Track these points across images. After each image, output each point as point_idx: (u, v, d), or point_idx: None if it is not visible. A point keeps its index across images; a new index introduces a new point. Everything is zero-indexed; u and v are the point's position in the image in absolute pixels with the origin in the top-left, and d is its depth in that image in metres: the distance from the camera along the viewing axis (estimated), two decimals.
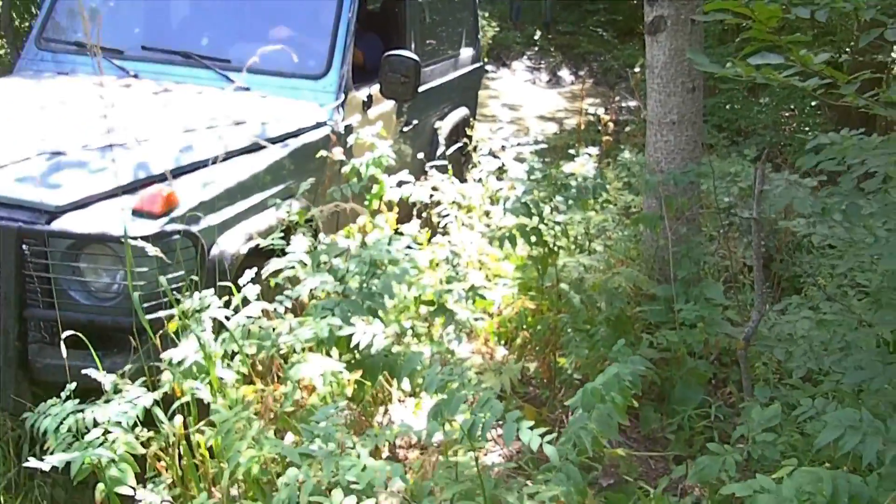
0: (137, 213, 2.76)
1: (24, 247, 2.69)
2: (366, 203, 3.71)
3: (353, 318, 2.41)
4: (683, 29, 4.02)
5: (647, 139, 4.24)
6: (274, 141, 3.45)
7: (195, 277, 2.65)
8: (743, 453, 2.54)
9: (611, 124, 6.35)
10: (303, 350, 2.38)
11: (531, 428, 1.86)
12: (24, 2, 10.56)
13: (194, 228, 2.79)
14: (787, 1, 2.39)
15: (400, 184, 3.78)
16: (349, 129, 4.02)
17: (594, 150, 4.98)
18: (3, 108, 3.59)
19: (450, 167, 4.79)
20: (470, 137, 5.53)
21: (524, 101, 12.94)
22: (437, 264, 3.40)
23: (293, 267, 2.74)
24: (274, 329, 2.35)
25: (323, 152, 3.56)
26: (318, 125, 3.85)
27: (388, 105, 4.57)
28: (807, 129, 8.07)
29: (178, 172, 3.01)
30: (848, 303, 3.51)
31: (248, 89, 3.86)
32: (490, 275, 3.89)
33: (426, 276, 3.25)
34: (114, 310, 2.73)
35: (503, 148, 4.93)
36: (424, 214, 4.21)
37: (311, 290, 2.54)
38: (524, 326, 3.44)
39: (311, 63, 4.08)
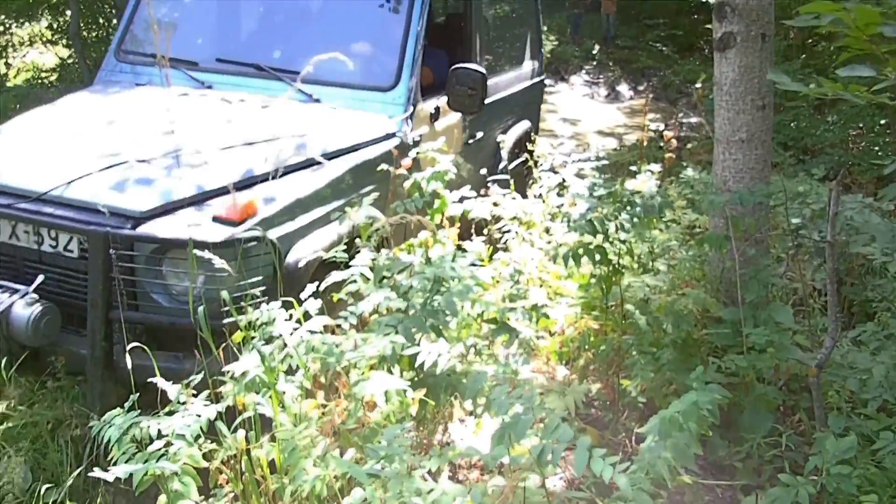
0: (218, 220, 2.87)
1: (111, 251, 2.79)
2: (427, 218, 3.69)
3: (417, 335, 2.38)
4: (754, 45, 3.93)
5: (714, 157, 4.14)
6: (344, 152, 3.57)
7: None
8: (816, 486, 2.45)
9: (674, 141, 6.23)
10: (365, 367, 2.36)
11: (602, 456, 1.80)
12: (93, 13, 10.85)
13: (272, 236, 2.87)
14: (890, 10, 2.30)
15: (462, 199, 3.76)
16: (417, 141, 4.09)
17: (656, 167, 4.90)
18: (85, 120, 3.74)
19: (512, 182, 4.76)
20: (531, 152, 5.49)
21: (583, 115, 12.85)
22: (499, 281, 3.36)
23: (355, 281, 2.73)
24: (338, 345, 2.32)
25: (384, 166, 3.57)
26: (388, 136, 3.91)
27: (454, 118, 4.63)
28: (876, 147, 7.85)
29: (255, 182, 3.12)
30: None
31: (318, 101, 4.00)
32: (551, 292, 3.84)
33: (489, 294, 3.22)
34: (188, 313, 2.73)
35: (564, 164, 4.89)
36: (486, 230, 4.18)
37: (374, 305, 2.52)
38: (587, 347, 3.37)
39: (381, 75, 4.15)
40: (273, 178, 3.13)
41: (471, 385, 2.19)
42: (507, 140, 5.51)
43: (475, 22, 5.04)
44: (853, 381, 3.18)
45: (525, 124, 6.14)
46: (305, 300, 2.59)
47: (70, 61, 10.44)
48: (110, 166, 3.13)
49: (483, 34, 5.18)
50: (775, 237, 4.56)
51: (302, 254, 3.00)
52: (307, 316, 2.51)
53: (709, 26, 4.06)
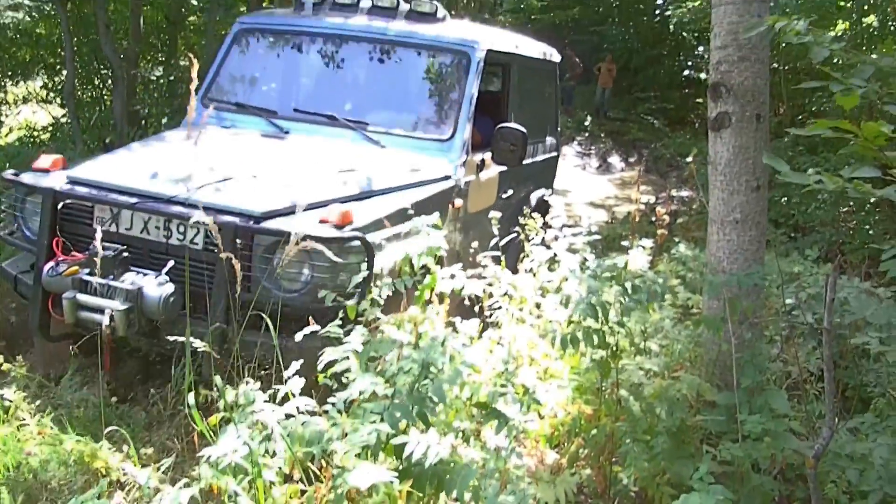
0: (324, 222, 3.58)
1: (237, 241, 3.50)
2: (417, 294, 3.62)
3: (403, 423, 2.29)
4: (748, 126, 3.93)
5: (708, 237, 4.11)
6: (412, 186, 4.39)
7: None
8: None
9: (665, 217, 6.22)
10: (347, 453, 2.26)
11: None
12: (89, 73, 10.93)
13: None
14: (879, 100, 2.29)
15: (452, 276, 3.70)
16: (467, 184, 4.97)
17: (648, 243, 4.86)
18: (191, 147, 4.18)
19: (503, 258, 4.71)
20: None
21: (574, 186, 12.91)
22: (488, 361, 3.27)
23: (347, 358, 2.66)
24: (323, 432, 2.23)
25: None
26: (446, 178, 4.75)
27: (494, 173, 5.45)
28: (867, 226, 7.87)
29: (345, 200, 3.87)
30: None
31: (383, 146, 4.81)
32: (541, 372, 3.75)
33: (478, 374, 3.13)
34: (299, 299, 3.53)
35: (555, 238, 4.84)
36: (477, 307, 4.11)
37: (359, 391, 2.43)
38: (578, 432, 3.27)
39: (441, 127, 5.01)
40: (364, 199, 4.00)
41: (459, 479, 2.09)
42: (532, 199, 6.45)
43: (511, 96, 5.93)
44: (852, 472, 3.10)
45: (543, 191, 6.91)
46: (288, 379, 2.52)
47: (64, 120, 10.47)
48: (229, 178, 3.89)
49: (516, 107, 5.96)
50: (769, 319, 4.51)
51: (383, 262, 3.70)
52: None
53: (700, 100, 4.07)
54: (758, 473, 3.32)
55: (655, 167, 15.02)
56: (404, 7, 5.43)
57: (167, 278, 3.57)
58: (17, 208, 4.12)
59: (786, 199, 8.69)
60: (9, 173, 4.10)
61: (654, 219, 6.72)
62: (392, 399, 2.34)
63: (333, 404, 2.44)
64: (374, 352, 2.60)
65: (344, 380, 2.63)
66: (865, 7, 9.05)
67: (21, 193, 4.12)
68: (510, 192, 5.87)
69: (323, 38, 5.44)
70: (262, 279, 3.48)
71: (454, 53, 5.18)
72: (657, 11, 18.93)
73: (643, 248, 4.86)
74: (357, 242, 3.55)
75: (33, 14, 12.19)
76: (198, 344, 2.73)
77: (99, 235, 3.28)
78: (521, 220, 5.04)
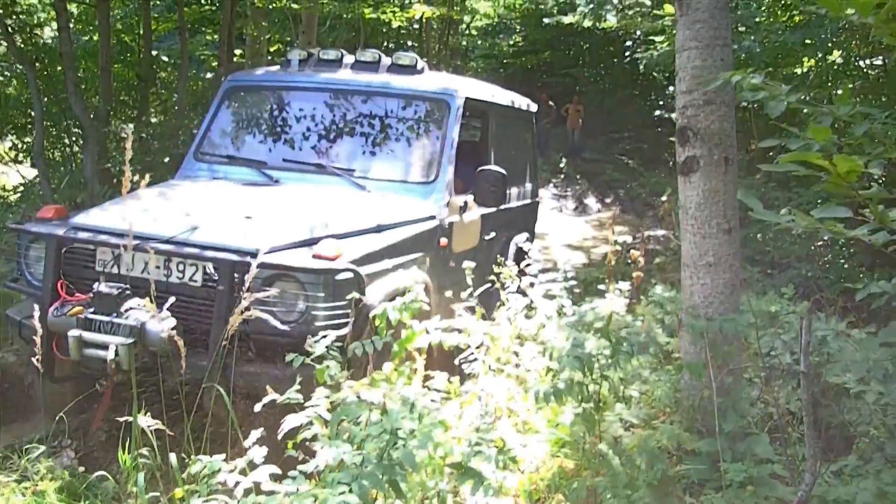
0: (317, 257, 3.82)
1: (234, 276, 3.76)
2: (394, 350, 3.56)
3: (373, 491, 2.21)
4: (717, 169, 3.93)
5: (682, 281, 4.09)
6: (399, 225, 4.63)
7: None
8: None
9: (641, 260, 6.22)
10: None
11: None
12: (59, 133, 10.90)
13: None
14: (868, 155, 2.28)
15: (429, 330, 3.65)
16: (451, 224, 5.24)
17: (625, 286, 4.83)
18: (185, 195, 4.83)
19: (478, 307, 4.66)
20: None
21: (550, 229, 12.92)
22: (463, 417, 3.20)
23: (311, 424, 2.59)
24: None
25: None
26: (430, 218, 5.00)
27: (476, 216, 5.69)
28: (842, 260, 7.89)
29: (336, 237, 4.06)
30: None
31: (369, 191, 5.07)
32: (520, 424, 3.68)
33: (454, 429, 3.06)
34: (295, 330, 3.69)
35: (531, 284, 4.80)
36: (455, 360, 4.05)
37: (325, 462, 2.36)
38: (559, 487, 3.20)
39: (425, 171, 5.31)
40: (352, 237, 4.21)
41: None
42: (513, 244, 6.70)
43: (490, 143, 6.25)
44: None
45: (524, 235, 7.14)
46: (251, 447, 2.45)
47: (34, 181, 10.40)
48: (226, 219, 4.21)
49: (495, 154, 6.23)
50: (747, 360, 4.47)
51: (371, 296, 3.94)
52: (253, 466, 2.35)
53: (673, 139, 4.07)
54: None
55: (632, 207, 15.09)
56: (386, 61, 5.76)
57: (168, 314, 3.67)
58: (22, 256, 4.34)
59: (761, 235, 8.72)
60: (12, 223, 4.52)
61: (630, 261, 6.70)
62: (361, 467, 2.26)
63: (297, 475, 2.36)
64: (344, 416, 2.52)
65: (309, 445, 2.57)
66: (829, 44, 9.18)
67: (25, 241, 4.34)
68: (492, 234, 6.16)
69: (309, 92, 5.74)
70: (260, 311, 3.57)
71: (434, 102, 5.49)
72: (627, 53, 19.18)
73: (620, 291, 4.84)
74: (349, 275, 3.82)
75: (4, 74, 12.19)
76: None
77: (114, 270, 3.69)
78: (496, 269, 5.02)
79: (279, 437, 2.64)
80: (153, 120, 11.35)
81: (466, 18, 22.01)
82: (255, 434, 2.55)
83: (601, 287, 5.54)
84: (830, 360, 3.91)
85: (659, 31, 12.01)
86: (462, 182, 5.59)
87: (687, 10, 3.99)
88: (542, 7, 20.32)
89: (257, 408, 2.87)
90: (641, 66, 13.37)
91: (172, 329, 3.60)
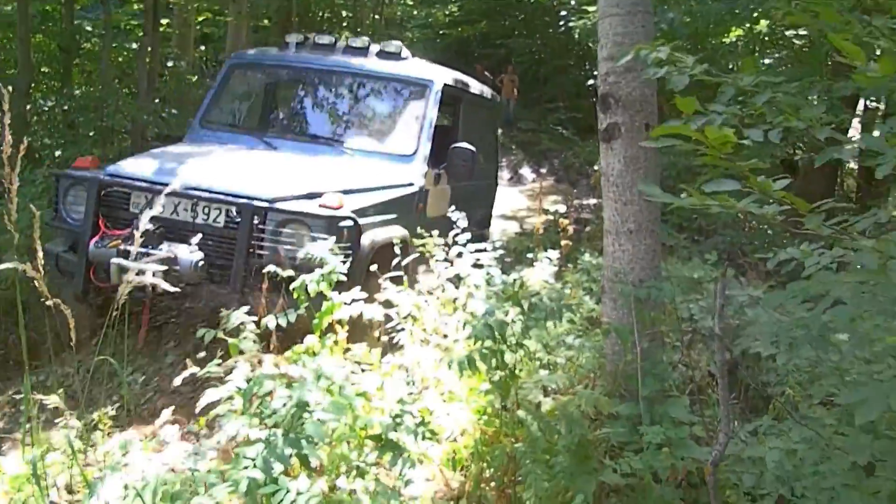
0: (323, 206, 4.54)
1: (254, 219, 4.51)
2: (315, 322, 3.54)
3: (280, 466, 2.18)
4: (638, 136, 3.95)
5: (604, 248, 4.12)
6: (386, 187, 5.43)
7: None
8: None
9: (569, 228, 6.28)
10: None
11: None
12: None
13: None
14: (740, 122, 2.32)
15: (352, 301, 3.63)
16: (426, 192, 6.00)
17: (554, 255, 4.85)
18: (199, 152, 5.61)
19: (405, 278, 4.64)
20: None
21: None
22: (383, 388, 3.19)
23: (231, 398, 2.55)
24: (191, 483, 2.11)
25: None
26: (411, 184, 5.77)
27: (445, 189, 6.42)
28: (765, 226, 8.07)
29: (342, 191, 4.77)
30: (820, 422, 3.35)
31: (355, 159, 5.82)
32: (446, 394, 3.69)
33: (375, 401, 3.05)
34: (302, 267, 3.78)
35: (460, 254, 4.79)
36: (377, 332, 4.04)
37: (228, 437, 2.33)
38: (479, 454, 3.22)
39: (406, 144, 6.02)
40: (353, 193, 4.90)
41: None
42: (476, 215, 7.29)
43: (461, 125, 6.98)
44: (748, 476, 3.12)
45: (484, 210, 8.10)
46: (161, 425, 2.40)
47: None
48: (242, 173, 5.06)
49: (465, 136, 6.75)
50: (669, 325, 4.55)
51: (366, 241, 4.70)
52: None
53: None
54: (662, 483, 3.32)
55: (566, 176, 15.18)
56: (374, 47, 6.51)
57: (197, 247, 4.44)
58: (60, 198, 5.03)
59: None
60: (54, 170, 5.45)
61: (560, 229, 6.75)
62: (268, 441, 2.23)
63: (200, 452, 2.33)
64: (255, 389, 2.48)
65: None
66: (755, 14, 9.31)
67: (65, 185, 5.03)
68: (461, 203, 6.52)
69: (306, 72, 6.55)
70: (274, 251, 4.40)
71: (417, 86, 6.26)
72: (561, 23, 19.20)
73: (549, 260, 4.86)
74: (350, 222, 4.57)
75: None
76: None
77: (145, 214, 3.87)
78: (422, 240, 5.02)
79: (197, 411, 2.60)
80: (76, 92, 10.99)
81: None
82: (167, 413, 2.49)
83: (530, 256, 5.57)
84: (747, 323, 3.99)
85: (589, 1, 12.03)
86: (436, 158, 6.24)
87: None
88: None
89: (177, 381, 2.83)
90: (576, 36, 13.42)
91: (201, 261, 4.46)
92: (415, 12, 25.87)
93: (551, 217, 8.52)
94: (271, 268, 3.56)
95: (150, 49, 11.01)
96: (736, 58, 10.58)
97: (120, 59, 12.45)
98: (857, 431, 2.93)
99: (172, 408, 2.48)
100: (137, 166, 5.14)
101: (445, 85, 6.41)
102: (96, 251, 4.63)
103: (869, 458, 2.74)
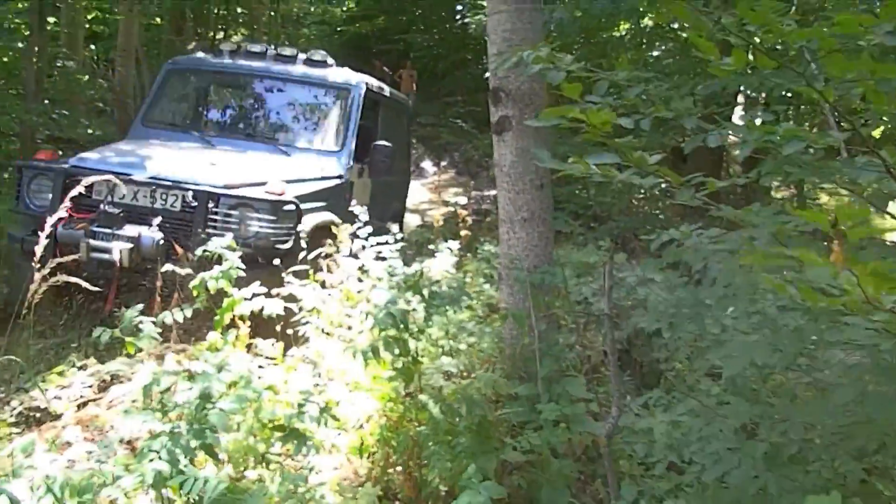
0: (268, 192, 5.20)
1: (209, 203, 5.16)
2: (216, 318, 3.56)
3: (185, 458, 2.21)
4: (528, 128, 4.10)
5: (500, 236, 4.26)
6: (317, 179, 6.12)
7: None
8: None
9: (468, 219, 6.43)
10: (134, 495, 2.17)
11: None
12: None
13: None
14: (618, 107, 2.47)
15: (253, 296, 3.67)
16: (351, 184, 6.65)
17: (454, 245, 4.97)
18: (153, 148, 6.09)
19: (311, 271, 4.69)
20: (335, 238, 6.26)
21: None
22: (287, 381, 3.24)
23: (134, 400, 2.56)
24: (96, 477, 2.13)
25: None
26: (340, 176, 6.46)
27: (367, 182, 7.12)
28: (657, 212, 8.39)
29: (286, 181, 5.44)
30: (706, 391, 3.56)
31: (290, 156, 6.45)
32: (352, 385, 3.76)
33: (281, 393, 3.09)
34: (252, 244, 5.00)
35: (363, 248, 4.86)
36: (279, 326, 4.07)
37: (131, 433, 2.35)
38: (384, 440, 3.30)
39: (334, 141, 6.73)
40: (287, 182, 5.42)
41: None
42: (392, 209, 8.23)
43: (380, 125, 7.65)
44: (640, 445, 3.30)
45: (399, 203, 8.91)
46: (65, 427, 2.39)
47: None
48: (191, 164, 5.57)
49: (383, 135, 7.39)
50: (565, 308, 4.73)
51: (304, 225, 5.28)
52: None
53: None
54: (561, 457, 3.48)
55: (466, 169, 15.38)
56: (302, 56, 7.19)
57: (157, 229, 4.96)
58: (25, 187, 5.48)
59: (584, 191, 9.12)
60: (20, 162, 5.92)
61: (459, 220, 6.90)
62: (172, 434, 2.26)
63: (106, 444, 2.34)
64: (156, 385, 2.50)
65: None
66: (640, 10, 9.65)
67: (29, 175, 5.50)
68: (379, 194, 7.55)
69: (239, 77, 7.13)
70: (226, 232, 4.66)
71: (342, 90, 6.94)
72: (458, 18, 19.40)
73: (450, 250, 4.97)
74: (292, 206, 5.25)
75: None
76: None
77: (107, 199, 5.05)
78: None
79: (107, 408, 2.60)
80: None
81: None
82: (70, 413, 2.49)
83: (432, 247, 5.67)
84: (638, 303, 4.19)
85: None
86: (358, 155, 6.90)
87: None
88: None
89: (77, 385, 2.81)
90: (472, 30, 13.59)
91: (161, 240, 5.00)
92: (312, 9, 25.63)
93: (452, 209, 8.67)
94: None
95: (37, 48, 10.63)
96: (624, 51, 10.93)
97: (5, 60, 11.96)
98: (738, 399, 3.14)
99: (76, 407, 2.46)
100: (99, 158, 5.67)
101: (367, 89, 7.11)
102: (64, 233, 5.07)
103: (746, 420, 2.95)
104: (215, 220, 5.13)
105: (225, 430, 2.34)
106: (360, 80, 7.12)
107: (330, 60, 7.22)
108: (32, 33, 10.76)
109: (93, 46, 17.16)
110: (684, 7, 1.96)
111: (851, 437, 2.58)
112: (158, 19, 17.73)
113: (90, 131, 11.45)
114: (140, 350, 2.79)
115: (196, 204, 5.17)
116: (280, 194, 5.20)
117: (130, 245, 4.97)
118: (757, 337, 3.08)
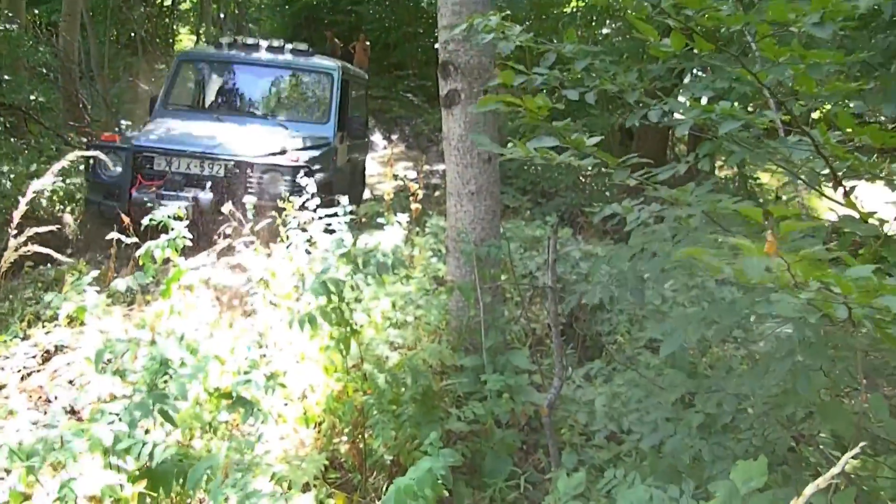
0: (291, 160, 6.69)
1: (248, 170, 6.68)
2: (162, 289, 3.54)
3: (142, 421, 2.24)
4: (477, 102, 4.13)
5: (447, 209, 4.30)
6: (315, 146, 7.63)
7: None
8: None
9: (419, 192, 6.45)
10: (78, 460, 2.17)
11: None
12: None
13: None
14: (560, 85, 2.52)
15: (199, 267, 3.65)
16: (336, 148, 8.17)
17: (403, 218, 4.99)
18: (189, 126, 7.53)
19: (258, 244, 4.68)
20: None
21: None
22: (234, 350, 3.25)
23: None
24: (46, 442, 2.13)
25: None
26: (328, 143, 7.95)
27: (345, 146, 8.75)
28: (604, 188, 8.51)
29: (295, 149, 7.13)
30: (646, 364, 3.67)
31: (287, 128, 7.78)
32: (299, 356, 3.78)
33: (227, 363, 3.10)
34: (275, 198, 5.34)
35: (311, 220, 4.85)
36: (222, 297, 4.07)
37: (95, 397, 2.35)
38: (330, 410, 3.34)
39: (321, 115, 8.34)
40: (299, 151, 7.13)
41: (192, 474, 2.08)
42: (360, 166, 10.44)
43: (351, 101, 9.08)
44: (581, 415, 3.39)
45: (363, 162, 10.67)
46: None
47: None
48: (223, 139, 7.05)
49: (354, 108, 9.26)
50: (511, 282, 4.80)
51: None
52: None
53: None
54: (504, 427, 3.56)
55: (416, 143, 15.36)
56: (288, 46, 8.69)
57: (208, 192, 6.57)
58: (98, 163, 6.76)
59: (532, 167, 9.19)
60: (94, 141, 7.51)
61: (409, 194, 6.91)
62: (131, 398, 2.27)
63: (55, 412, 2.34)
64: (109, 353, 2.50)
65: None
66: None
67: (103, 154, 6.35)
68: (349, 159, 9.23)
69: (240, 65, 8.67)
70: (260, 192, 6.42)
71: (325, 73, 8.51)
72: None
73: (399, 223, 4.99)
74: (306, 170, 6.34)
75: None
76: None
77: (171, 168, 6.83)
78: (280, 203, 5.10)
79: (50, 380, 2.59)
80: None
81: None
82: (13, 383, 2.48)
83: (381, 220, 5.69)
84: (582, 277, 4.29)
85: None
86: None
87: None
88: None
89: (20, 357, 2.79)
90: (424, 3, 13.52)
91: (211, 199, 6.50)
92: None
93: (402, 183, 8.70)
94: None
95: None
96: (574, 27, 10.99)
97: None
98: (675, 371, 3.25)
99: (20, 376, 2.45)
100: (156, 138, 7.17)
101: (343, 72, 8.70)
102: (137, 196, 6.56)
103: (682, 392, 3.06)
104: (250, 183, 6.67)
105: (183, 397, 2.35)
106: (337, 65, 8.75)
107: (311, 50, 8.94)
108: None
109: (36, 12, 16.68)
110: None
111: (781, 407, 2.68)
112: None
113: (32, 97, 11.17)
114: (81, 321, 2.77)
115: (238, 171, 6.72)
116: (296, 161, 6.72)
117: (191, 203, 6.43)
118: (695, 309, 3.19)
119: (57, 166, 3.54)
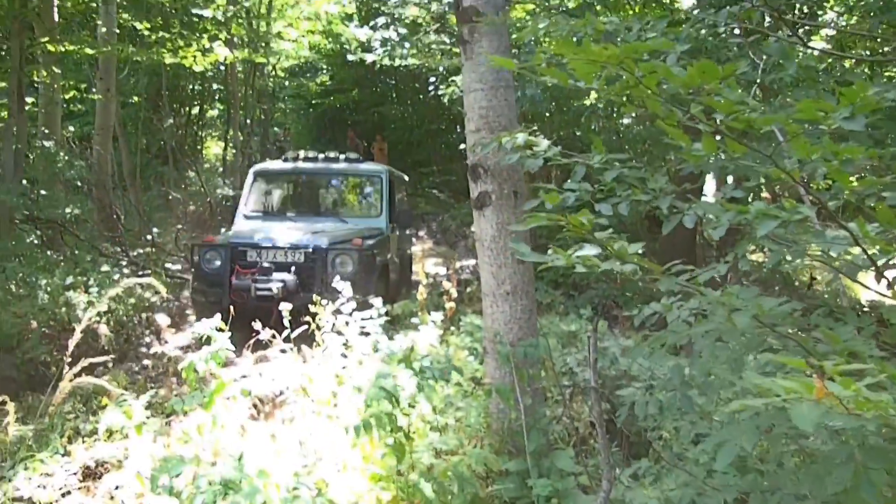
0: (355, 246, 8.16)
1: (324, 255, 8.11)
2: (205, 400, 3.56)
3: None
4: (507, 203, 4.19)
5: (483, 310, 4.31)
6: (373, 235, 9.00)
7: None
8: None
9: (453, 291, 6.47)
10: None
11: None
12: None
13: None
14: (592, 197, 2.56)
15: (243, 377, 3.68)
16: (388, 237, 9.46)
17: (438, 317, 5.01)
18: (268, 227, 9.12)
19: (294, 348, 4.70)
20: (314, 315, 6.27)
21: None
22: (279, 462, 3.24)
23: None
24: None
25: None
26: (382, 233, 9.29)
27: (395, 235, 9.99)
28: (636, 277, 8.48)
29: (361, 237, 8.66)
30: (694, 460, 3.59)
31: (346, 223, 9.40)
32: (340, 464, 3.75)
33: (274, 475, 3.09)
34: (349, 277, 6.63)
35: (346, 323, 4.88)
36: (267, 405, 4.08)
37: None
38: None
39: (376, 210, 9.74)
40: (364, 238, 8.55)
41: None
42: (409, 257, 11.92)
43: (396, 196, 10.39)
44: None
45: (410, 248, 12.08)
46: None
47: None
48: (299, 233, 8.56)
49: (399, 203, 10.58)
50: (550, 380, 4.76)
51: (376, 262, 7.81)
52: None
53: None
54: None
55: (444, 238, 15.50)
56: (342, 156, 10.26)
57: (293, 275, 7.94)
58: (201, 258, 8.33)
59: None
60: (196, 242, 9.33)
61: (442, 292, 6.94)
62: None
63: None
64: (164, 471, 2.51)
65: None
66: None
67: (204, 251, 8.39)
68: (401, 245, 10.65)
69: (304, 174, 10.35)
70: (333, 275, 7.22)
71: (375, 176, 9.97)
72: (431, 89, 19.71)
73: (434, 322, 5.01)
74: (369, 252, 8.03)
75: None
76: None
77: (262, 259, 8.18)
78: (312, 308, 5.12)
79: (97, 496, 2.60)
80: None
81: (272, 60, 21.84)
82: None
83: (415, 320, 5.71)
84: (623, 373, 4.25)
85: (457, 69, 12.54)
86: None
87: (472, 54, 4.26)
88: (346, 47, 20.50)
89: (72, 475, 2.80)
90: (446, 101, 13.84)
91: (296, 282, 7.90)
92: (287, 83, 26.00)
93: (433, 280, 8.77)
94: None
95: (15, 129, 10.72)
96: (596, 119, 11.18)
97: None
98: (728, 469, 3.18)
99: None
100: (247, 235, 8.66)
101: (390, 175, 10.11)
102: (237, 282, 7.92)
103: (736, 493, 2.98)
104: (326, 266, 7.96)
105: None
106: (385, 168, 10.30)
107: (362, 158, 10.50)
108: (11, 115, 10.85)
109: (71, 128, 17.27)
110: (656, 100, 2.06)
111: None
112: (135, 97, 17.94)
113: (69, 210, 11.46)
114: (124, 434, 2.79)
115: (315, 257, 8.04)
116: (361, 246, 8.10)
117: (281, 284, 7.69)
118: (748, 415, 3.14)
119: (112, 292, 3.66)
